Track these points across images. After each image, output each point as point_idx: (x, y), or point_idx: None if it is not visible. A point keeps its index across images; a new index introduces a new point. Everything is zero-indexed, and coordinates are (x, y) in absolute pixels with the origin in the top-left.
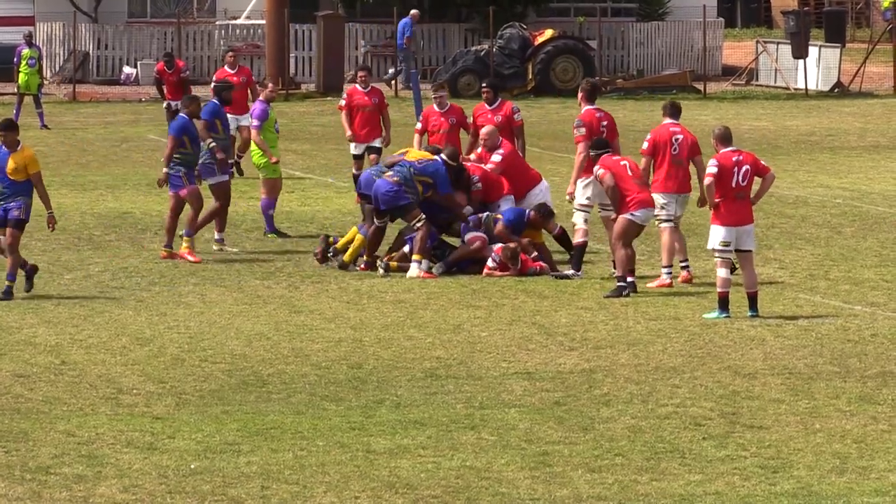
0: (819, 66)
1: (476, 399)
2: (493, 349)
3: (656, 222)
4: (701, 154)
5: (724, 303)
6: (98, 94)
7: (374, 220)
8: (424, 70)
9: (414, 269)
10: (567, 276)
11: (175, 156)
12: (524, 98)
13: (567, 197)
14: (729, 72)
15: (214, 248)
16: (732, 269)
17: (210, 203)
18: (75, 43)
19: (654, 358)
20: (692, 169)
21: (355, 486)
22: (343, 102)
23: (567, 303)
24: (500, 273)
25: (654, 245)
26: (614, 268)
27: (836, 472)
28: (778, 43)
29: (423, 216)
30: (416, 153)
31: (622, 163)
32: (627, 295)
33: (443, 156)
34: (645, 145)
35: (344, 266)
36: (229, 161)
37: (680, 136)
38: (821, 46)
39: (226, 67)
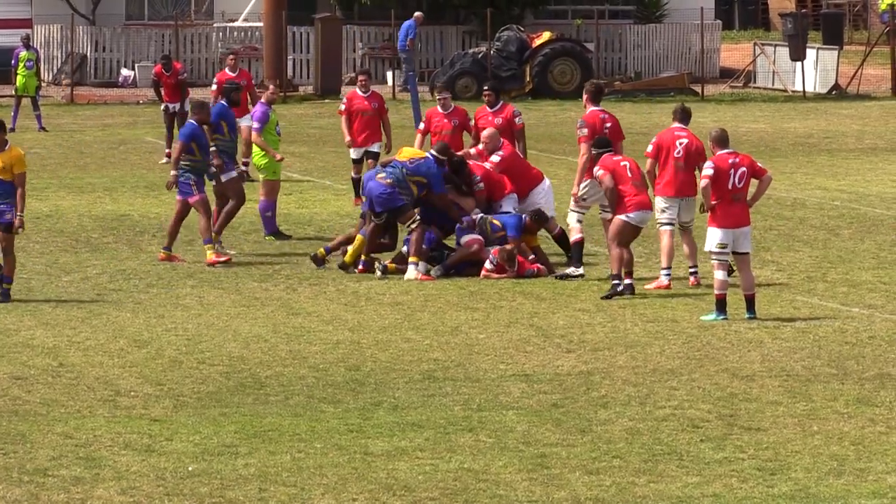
0: (817, 68)
1: (474, 401)
2: (490, 351)
3: (657, 225)
4: (706, 160)
5: (721, 305)
6: (96, 97)
7: (372, 219)
8: (422, 72)
9: (411, 271)
10: (570, 276)
11: (184, 162)
12: (522, 100)
13: (572, 199)
14: (727, 74)
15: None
16: (730, 272)
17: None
18: (73, 45)
19: (652, 360)
20: (698, 173)
21: (353, 488)
22: (343, 107)
23: (565, 305)
24: (497, 275)
25: (651, 247)
26: None
27: (834, 474)
28: (776, 45)
29: (418, 218)
30: (408, 151)
31: (623, 163)
32: (623, 293)
33: (432, 151)
34: (650, 147)
35: (344, 267)
36: (244, 160)
37: (685, 141)
38: (818, 49)
39: (226, 70)
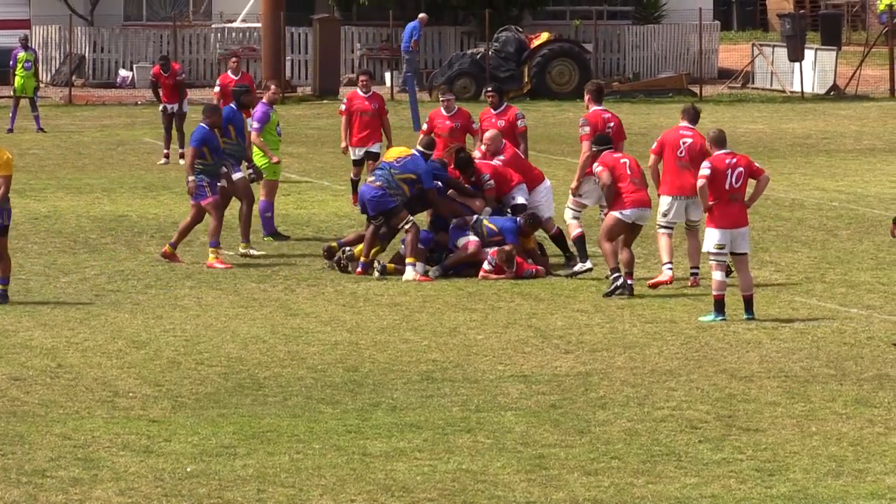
0: (815, 69)
1: (472, 402)
2: (489, 352)
3: (656, 227)
4: None
5: (719, 306)
6: (94, 98)
7: (370, 221)
8: (420, 73)
9: (409, 272)
10: (578, 272)
11: (196, 165)
12: (520, 101)
13: (569, 196)
14: (725, 75)
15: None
16: (728, 272)
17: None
18: (71, 46)
19: (650, 361)
20: None
21: (351, 489)
22: (343, 107)
23: (563, 306)
24: (495, 276)
25: (650, 248)
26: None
27: (833, 474)
28: (774, 46)
29: (411, 219)
30: (394, 151)
31: (623, 160)
32: (623, 286)
33: (419, 147)
34: (654, 145)
35: (352, 258)
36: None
37: (689, 140)
38: (817, 49)
39: (229, 73)
